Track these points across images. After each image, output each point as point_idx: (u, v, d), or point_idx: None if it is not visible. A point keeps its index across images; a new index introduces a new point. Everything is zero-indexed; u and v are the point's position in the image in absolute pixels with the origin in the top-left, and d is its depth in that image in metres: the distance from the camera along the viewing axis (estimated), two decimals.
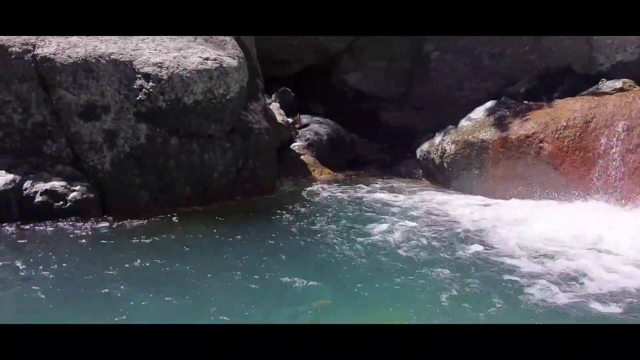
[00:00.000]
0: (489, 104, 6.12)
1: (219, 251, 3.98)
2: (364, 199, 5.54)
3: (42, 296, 3.18)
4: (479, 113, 6.04)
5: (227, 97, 5.03)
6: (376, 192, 5.84)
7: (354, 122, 7.89)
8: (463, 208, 5.21)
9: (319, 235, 4.37)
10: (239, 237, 4.25)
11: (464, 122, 6.05)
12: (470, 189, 5.74)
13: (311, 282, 3.42)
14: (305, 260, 3.88)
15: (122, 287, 3.32)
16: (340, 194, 5.76)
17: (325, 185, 6.10)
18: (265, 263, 3.75)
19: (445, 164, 5.95)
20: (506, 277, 3.60)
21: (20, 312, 3.07)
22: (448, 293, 3.33)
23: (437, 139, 6.16)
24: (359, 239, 4.27)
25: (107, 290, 3.27)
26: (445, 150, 5.93)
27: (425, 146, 6.32)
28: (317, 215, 4.90)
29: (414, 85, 7.78)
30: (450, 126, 6.17)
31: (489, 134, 5.66)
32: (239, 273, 3.56)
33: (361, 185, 6.18)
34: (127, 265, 3.63)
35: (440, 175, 6.11)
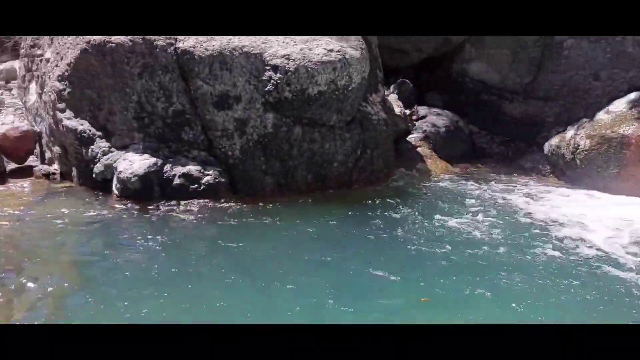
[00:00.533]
0: (633, 95, 5.56)
1: (322, 240, 4.05)
2: (479, 194, 5.31)
3: (160, 266, 3.54)
4: (620, 105, 5.52)
5: (349, 88, 5.09)
6: (494, 188, 5.57)
7: (473, 113, 7.60)
8: (594, 209, 4.81)
9: (425, 229, 4.28)
10: (345, 226, 4.32)
11: (601, 115, 5.56)
12: (606, 188, 5.28)
13: (408, 277, 3.41)
14: (405, 255, 3.84)
15: (214, 266, 3.59)
16: (454, 187, 5.58)
17: (439, 178, 5.96)
18: (364, 255, 3.80)
19: (577, 161, 5.52)
20: (619, 286, 3.35)
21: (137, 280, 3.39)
22: (551, 292, 3.22)
23: (569, 132, 5.72)
24: (469, 236, 4.14)
25: (192, 269, 3.55)
26: (579, 146, 5.49)
27: (554, 140, 5.91)
28: (427, 208, 4.80)
29: (542, 75, 7.28)
30: (584, 119, 5.71)
31: (631, 128, 5.16)
32: (333, 265, 3.63)
33: (478, 179, 5.94)
34: (240, 243, 3.92)
35: (572, 172, 5.68)
